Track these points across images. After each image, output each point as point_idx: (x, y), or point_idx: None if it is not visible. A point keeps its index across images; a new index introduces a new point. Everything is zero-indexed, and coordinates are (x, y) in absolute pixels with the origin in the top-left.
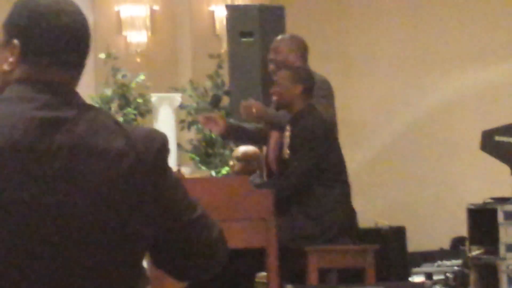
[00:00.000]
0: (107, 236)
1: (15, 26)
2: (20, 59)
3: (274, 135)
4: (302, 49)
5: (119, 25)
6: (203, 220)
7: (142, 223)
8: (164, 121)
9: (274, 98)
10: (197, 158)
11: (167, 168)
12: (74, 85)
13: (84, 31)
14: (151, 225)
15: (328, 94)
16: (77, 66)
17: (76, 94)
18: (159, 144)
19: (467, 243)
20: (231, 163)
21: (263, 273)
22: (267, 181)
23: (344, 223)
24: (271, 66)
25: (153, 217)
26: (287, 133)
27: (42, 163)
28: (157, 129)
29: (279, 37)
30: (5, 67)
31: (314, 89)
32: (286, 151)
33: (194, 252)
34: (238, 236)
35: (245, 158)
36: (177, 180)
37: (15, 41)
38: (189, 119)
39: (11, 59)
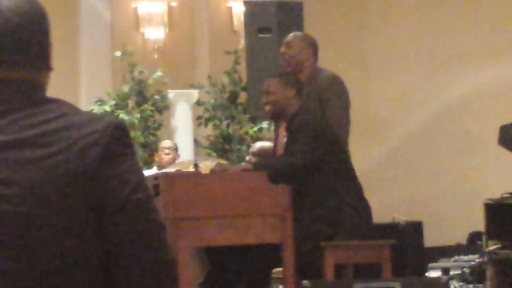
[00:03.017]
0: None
1: None
2: None
3: (282, 133)
4: (314, 48)
5: (137, 21)
6: (149, 205)
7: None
8: (181, 117)
9: (267, 108)
10: (214, 154)
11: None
12: (22, 82)
13: (17, 30)
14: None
15: (342, 93)
16: (13, 64)
17: (22, 90)
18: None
19: (484, 237)
20: (247, 158)
21: (279, 269)
22: (265, 160)
23: (356, 222)
24: (282, 61)
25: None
26: (284, 140)
27: None
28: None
29: (292, 33)
30: None
31: (328, 85)
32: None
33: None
34: (254, 232)
35: (261, 153)
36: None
37: None
38: (206, 115)
39: None
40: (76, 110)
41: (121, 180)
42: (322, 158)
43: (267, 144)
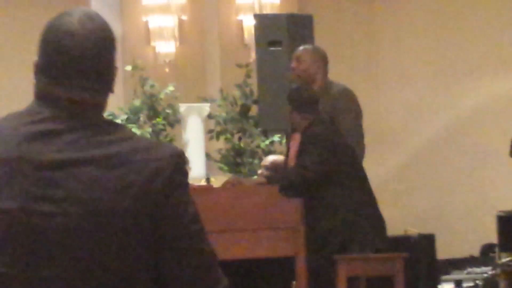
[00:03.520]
0: (108, 252)
1: (38, 43)
2: (35, 75)
3: (294, 145)
4: (324, 60)
5: (148, 35)
6: (203, 235)
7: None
8: (193, 131)
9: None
10: (226, 168)
11: (182, 184)
12: (89, 105)
13: (91, 56)
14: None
15: (354, 106)
16: (85, 88)
17: (88, 112)
18: (176, 158)
19: (497, 250)
20: (259, 171)
21: (293, 282)
22: (275, 173)
23: (370, 235)
24: (292, 75)
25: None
26: (297, 143)
27: (31, 175)
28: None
29: (302, 47)
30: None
31: (340, 98)
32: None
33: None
34: (267, 245)
35: (274, 167)
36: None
37: (35, 58)
38: (218, 128)
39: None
40: (134, 134)
41: (181, 210)
42: (335, 169)
43: (279, 157)
